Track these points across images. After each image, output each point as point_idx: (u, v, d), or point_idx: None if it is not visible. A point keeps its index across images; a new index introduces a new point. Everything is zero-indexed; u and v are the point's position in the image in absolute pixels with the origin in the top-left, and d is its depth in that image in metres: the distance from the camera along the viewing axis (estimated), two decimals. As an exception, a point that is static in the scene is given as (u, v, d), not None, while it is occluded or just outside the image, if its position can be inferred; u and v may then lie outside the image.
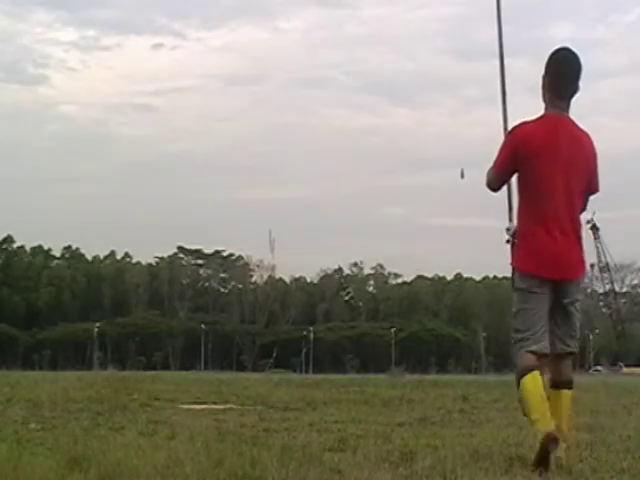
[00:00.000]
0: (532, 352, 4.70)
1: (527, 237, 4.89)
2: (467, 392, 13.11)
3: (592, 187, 4.96)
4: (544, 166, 4.74)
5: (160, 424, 7.15)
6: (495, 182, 4.99)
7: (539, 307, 4.80)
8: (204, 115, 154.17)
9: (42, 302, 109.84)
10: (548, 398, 4.66)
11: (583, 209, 5.03)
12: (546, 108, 4.90)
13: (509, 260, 5.15)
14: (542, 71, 4.94)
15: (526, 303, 4.86)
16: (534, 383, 4.61)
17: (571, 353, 4.93)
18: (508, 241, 5.10)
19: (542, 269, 4.79)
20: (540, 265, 4.80)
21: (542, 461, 4.47)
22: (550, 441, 4.40)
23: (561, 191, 4.77)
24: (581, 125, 4.95)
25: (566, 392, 4.88)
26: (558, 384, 4.87)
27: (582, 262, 4.95)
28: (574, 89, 4.90)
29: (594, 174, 4.92)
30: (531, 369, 4.64)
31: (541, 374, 4.69)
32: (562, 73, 4.86)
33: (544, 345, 4.75)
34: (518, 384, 4.70)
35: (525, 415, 4.70)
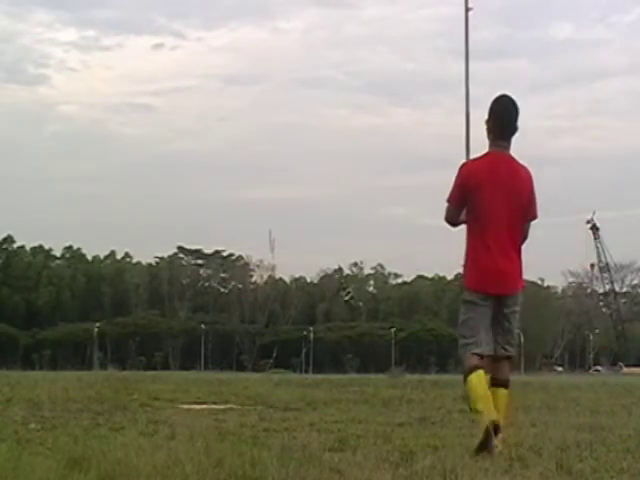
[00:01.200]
0: (477, 354, 5.44)
1: (473, 258, 5.62)
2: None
3: (531, 214, 5.70)
4: (487, 197, 5.50)
5: (160, 424, 7.16)
6: (451, 216, 5.70)
7: (483, 317, 5.52)
8: (204, 115, 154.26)
9: (42, 302, 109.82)
10: None
11: (525, 235, 5.72)
12: (490, 146, 5.65)
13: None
14: (486, 116, 5.68)
15: (472, 313, 5.55)
16: (478, 379, 5.35)
17: (509, 357, 5.66)
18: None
19: (486, 286, 5.53)
20: (484, 282, 5.53)
21: (483, 447, 5.15)
22: (493, 428, 5.11)
23: (502, 218, 5.52)
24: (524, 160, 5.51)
25: (503, 390, 5.60)
26: (496, 383, 5.56)
27: (520, 279, 5.68)
28: (513, 130, 5.64)
29: (532, 203, 5.67)
30: (476, 368, 5.39)
31: (480, 366, 5.41)
32: (503, 118, 5.61)
33: (486, 349, 5.49)
34: (465, 381, 5.41)
35: (470, 409, 5.47)
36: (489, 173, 5.52)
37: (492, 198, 5.49)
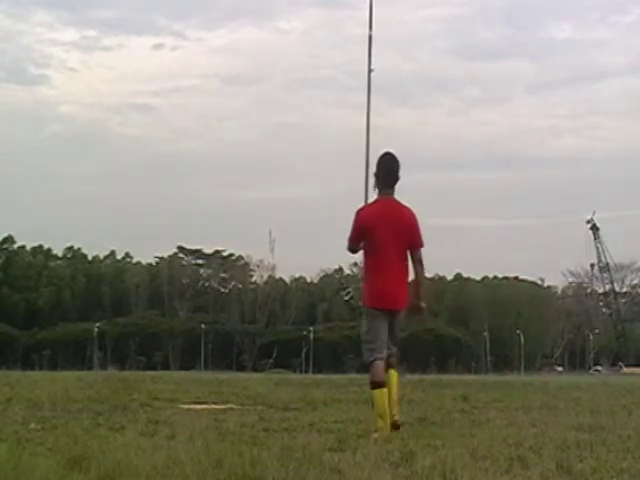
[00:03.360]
0: (379, 358, 6.87)
1: (369, 281, 7.16)
2: (467, 392, 13.10)
3: (417, 243, 7.14)
4: (378, 234, 6.95)
5: (160, 424, 7.16)
6: (352, 249, 7.25)
7: (380, 327, 6.97)
8: (204, 115, 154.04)
9: (42, 302, 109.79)
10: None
11: (419, 260, 7.16)
12: (379, 194, 7.12)
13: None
14: (375, 169, 7.17)
15: (372, 325, 7.01)
16: (382, 398, 6.74)
17: (392, 356, 7.11)
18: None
19: (380, 303, 6.99)
20: (378, 301, 7.00)
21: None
22: (385, 440, 6.16)
23: (392, 250, 6.96)
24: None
25: (393, 372, 7.02)
26: (388, 367, 6.96)
27: (407, 297, 7.13)
28: (396, 179, 7.12)
29: (416, 235, 7.12)
30: (380, 385, 6.78)
31: (385, 383, 6.81)
32: (387, 171, 7.11)
33: (384, 351, 6.94)
34: (371, 388, 6.88)
35: (373, 408, 6.90)
36: (379, 216, 6.99)
37: (383, 236, 6.93)
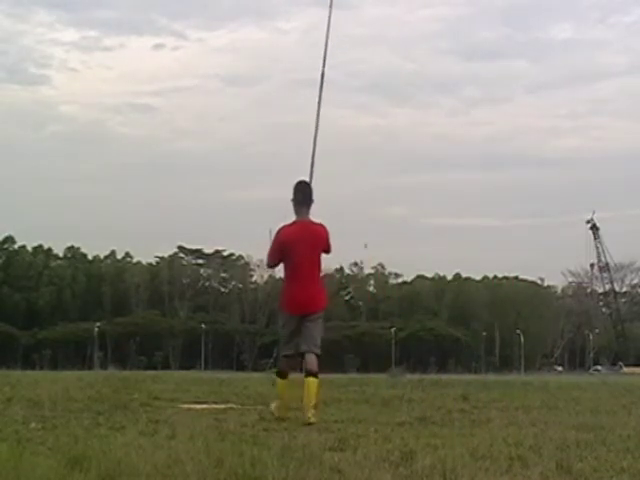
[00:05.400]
0: (289, 355, 8.18)
1: (286, 291, 8.34)
2: (467, 392, 13.09)
3: (327, 252, 8.31)
4: (295, 250, 8.08)
5: (160, 424, 7.15)
6: (272, 264, 8.56)
7: (292, 327, 8.15)
8: (204, 115, 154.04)
9: (43, 302, 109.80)
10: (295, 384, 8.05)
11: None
12: (296, 215, 8.23)
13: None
14: (291, 195, 8.27)
15: (287, 327, 8.23)
16: (282, 386, 8.22)
17: (314, 353, 8.08)
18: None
19: (293, 309, 8.18)
20: (292, 306, 8.19)
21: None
22: (280, 419, 7.68)
23: (306, 264, 8.13)
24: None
25: (312, 379, 7.90)
26: (307, 374, 7.96)
27: (320, 302, 8.29)
28: (310, 202, 8.27)
29: (327, 245, 8.29)
30: (284, 375, 8.25)
31: (286, 375, 8.26)
32: (303, 197, 8.27)
33: (294, 349, 8.13)
34: (276, 377, 8.35)
35: (277, 393, 8.30)
36: (296, 235, 8.12)
37: (300, 253, 8.06)
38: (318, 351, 8.11)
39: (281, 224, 8.37)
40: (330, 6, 9.17)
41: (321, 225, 8.29)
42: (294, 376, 8.39)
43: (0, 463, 4.52)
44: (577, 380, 27.58)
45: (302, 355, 8.08)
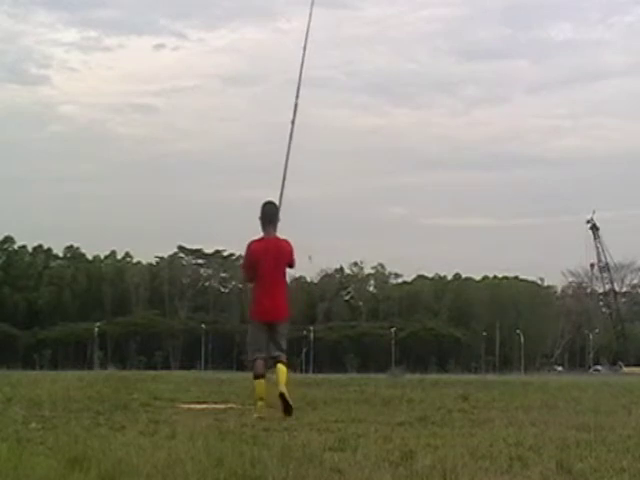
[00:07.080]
0: (261, 358, 8.87)
1: (255, 299, 9.16)
2: (467, 392, 13.09)
3: (292, 266, 9.19)
4: (263, 263, 8.94)
5: (160, 423, 7.15)
6: (248, 279, 9.33)
7: (261, 335, 9.01)
8: (204, 115, 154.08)
9: (43, 302, 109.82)
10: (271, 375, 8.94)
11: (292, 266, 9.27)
12: (263, 232, 9.06)
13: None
14: (259, 214, 9.12)
15: (255, 333, 9.07)
16: (261, 387, 8.79)
17: (281, 357, 8.90)
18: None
19: (261, 317, 9.06)
20: (260, 315, 9.07)
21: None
22: (259, 420, 7.79)
23: (273, 276, 8.98)
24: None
25: (281, 366, 8.75)
26: (276, 363, 8.79)
27: (285, 311, 9.19)
28: (276, 220, 9.19)
29: (292, 259, 9.14)
30: (260, 377, 8.82)
31: (263, 375, 8.86)
32: (270, 216, 9.16)
33: (265, 353, 8.93)
34: (254, 379, 8.84)
35: (255, 397, 8.84)
36: (264, 250, 8.96)
37: (267, 266, 8.91)
38: (284, 354, 9.05)
39: (250, 239, 9.20)
40: (308, 23, 11.14)
41: (286, 241, 9.15)
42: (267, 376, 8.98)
43: (0, 463, 4.53)
44: (577, 380, 27.59)
45: (273, 358, 8.95)
